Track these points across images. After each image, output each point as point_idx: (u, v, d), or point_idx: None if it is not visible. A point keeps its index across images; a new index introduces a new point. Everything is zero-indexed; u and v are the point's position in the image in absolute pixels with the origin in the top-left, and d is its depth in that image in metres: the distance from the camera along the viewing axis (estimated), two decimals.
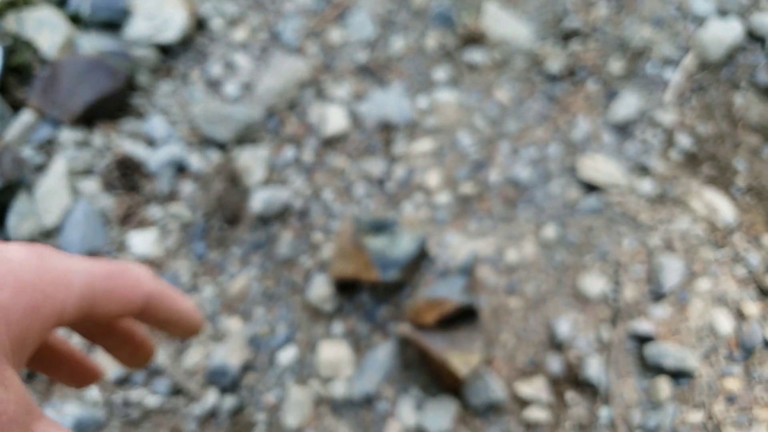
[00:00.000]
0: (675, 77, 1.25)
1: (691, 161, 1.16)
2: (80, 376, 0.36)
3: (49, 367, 0.35)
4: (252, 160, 1.16)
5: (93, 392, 0.98)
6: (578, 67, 1.28)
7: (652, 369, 0.97)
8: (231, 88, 1.27)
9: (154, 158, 1.17)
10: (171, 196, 1.14)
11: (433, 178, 1.15)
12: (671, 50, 1.29)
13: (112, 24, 1.32)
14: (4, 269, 0.25)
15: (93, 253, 1.07)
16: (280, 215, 1.12)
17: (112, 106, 1.24)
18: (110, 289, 0.30)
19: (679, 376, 0.96)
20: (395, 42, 1.33)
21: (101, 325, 0.34)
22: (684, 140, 1.18)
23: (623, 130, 1.20)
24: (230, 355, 0.99)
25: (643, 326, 0.99)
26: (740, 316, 1.00)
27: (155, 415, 0.96)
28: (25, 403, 0.25)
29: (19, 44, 1.27)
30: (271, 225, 1.11)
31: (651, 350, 0.97)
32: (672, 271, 1.03)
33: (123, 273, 0.31)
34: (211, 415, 0.96)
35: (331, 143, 1.20)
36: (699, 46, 1.27)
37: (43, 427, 0.25)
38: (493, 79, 1.28)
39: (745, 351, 0.98)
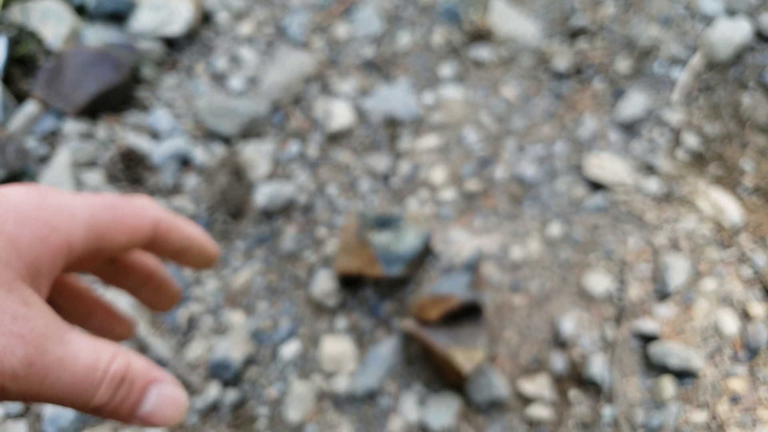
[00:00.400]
0: (682, 76, 1.25)
1: (698, 161, 1.16)
2: (111, 327, 0.36)
3: (81, 317, 0.35)
4: (256, 154, 1.16)
5: None
6: (585, 65, 1.28)
7: (656, 368, 0.97)
8: (236, 81, 1.27)
9: (158, 151, 1.17)
10: (175, 190, 1.14)
11: (438, 175, 1.14)
12: (679, 49, 1.28)
13: (118, 16, 1.32)
14: (6, 206, 0.25)
15: None
16: (284, 210, 1.11)
17: (116, 99, 1.23)
18: (116, 218, 0.29)
19: (683, 375, 0.95)
20: (401, 38, 1.32)
21: (118, 264, 0.34)
22: (691, 140, 1.17)
23: (630, 128, 1.20)
24: (233, 348, 0.98)
25: (648, 325, 0.99)
26: (745, 316, 1.00)
27: None
28: (53, 319, 0.25)
29: (23, 35, 1.27)
30: (275, 219, 1.10)
31: (655, 349, 0.97)
32: (677, 270, 1.03)
33: (127, 202, 0.31)
34: (213, 408, 0.96)
35: (336, 138, 1.19)
36: (707, 45, 1.27)
37: (76, 337, 0.25)
38: (500, 76, 1.28)
39: (750, 351, 0.97)
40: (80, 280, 0.34)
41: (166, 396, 0.27)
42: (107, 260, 0.33)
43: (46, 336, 0.24)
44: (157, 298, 0.37)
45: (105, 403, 0.26)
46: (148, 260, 0.35)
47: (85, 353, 0.25)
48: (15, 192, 0.26)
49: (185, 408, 0.28)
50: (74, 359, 0.25)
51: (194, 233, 0.34)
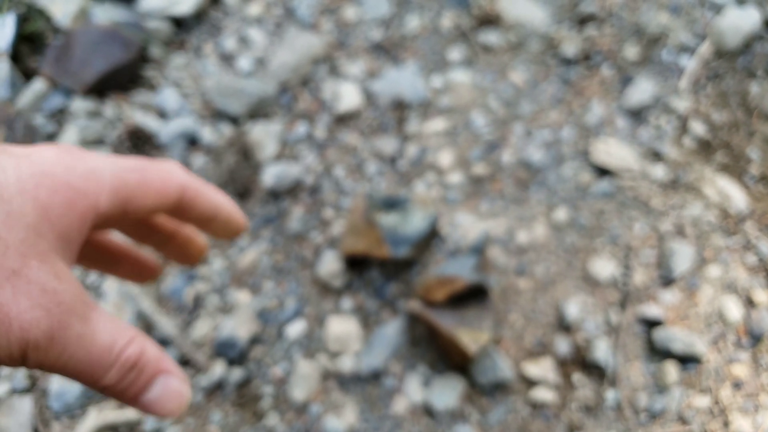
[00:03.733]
0: (691, 64, 1.25)
1: (705, 148, 1.16)
2: (140, 271, 0.37)
3: (108, 265, 0.36)
4: (264, 135, 1.16)
5: None
6: (593, 51, 1.28)
7: (659, 353, 0.97)
8: (244, 62, 1.27)
9: (165, 130, 1.17)
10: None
11: (445, 158, 1.14)
12: (687, 37, 1.28)
13: None
14: (39, 170, 0.25)
15: None
16: (291, 190, 1.11)
17: (124, 77, 1.23)
18: (142, 181, 0.30)
19: (686, 360, 0.96)
20: (410, 21, 1.32)
21: (143, 222, 0.34)
22: (698, 127, 1.17)
23: (637, 115, 1.20)
24: (238, 327, 0.99)
25: (652, 310, 0.99)
26: (749, 303, 1.00)
27: None
28: (80, 294, 0.25)
29: (32, 12, 1.26)
30: (282, 200, 1.11)
31: (659, 334, 0.97)
32: (682, 256, 1.03)
33: (153, 166, 0.31)
34: (218, 386, 0.96)
35: (343, 120, 1.19)
36: (716, 33, 1.26)
37: (98, 316, 0.26)
38: (508, 61, 1.27)
39: (753, 338, 0.98)
40: (106, 232, 0.35)
41: (170, 389, 0.28)
42: (133, 220, 0.33)
43: (71, 312, 0.24)
44: (183, 253, 0.37)
45: (113, 385, 0.26)
46: (172, 221, 0.36)
47: (104, 334, 0.26)
48: (47, 154, 0.27)
49: (186, 404, 0.29)
50: (92, 338, 0.25)
51: (221, 201, 0.34)
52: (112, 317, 0.27)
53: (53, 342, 0.24)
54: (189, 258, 0.38)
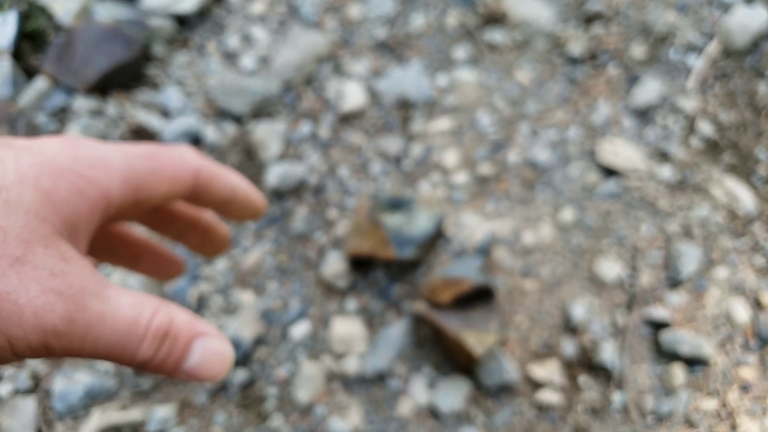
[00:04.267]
0: (698, 64, 1.24)
1: (713, 149, 1.15)
2: (163, 267, 0.36)
3: (131, 261, 0.35)
4: (268, 134, 1.15)
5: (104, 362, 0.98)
6: (600, 50, 1.26)
7: (666, 355, 0.96)
8: (248, 60, 1.26)
9: (168, 129, 1.16)
10: None
11: (450, 158, 1.13)
12: (695, 36, 1.27)
13: None
14: (41, 159, 0.25)
15: None
16: (295, 190, 1.11)
17: (126, 76, 1.22)
18: (154, 168, 0.29)
19: (693, 363, 0.95)
20: (415, 19, 1.31)
21: (161, 212, 0.34)
22: (706, 127, 1.16)
23: (644, 115, 1.19)
24: (242, 328, 0.98)
25: (659, 312, 0.99)
26: (757, 305, 1.00)
27: (166, 386, 0.96)
28: (92, 273, 0.24)
29: (34, 10, 1.25)
30: (286, 200, 1.10)
31: (666, 336, 0.96)
32: (690, 258, 1.02)
33: (165, 151, 0.29)
34: (222, 388, 0.96)
35: (348, 119, 1.18)
36: (724, 32, 1.25)
37: (115, 291, 0.25)
38: (514, 60, 1.26)
39: (761, 340, 0.97)
40: (126, 226, 0.34)
41: (211, 350, 0.27)
42: (149, 209, 0.32)
43: (86, 292, 0.24)
44: (205, 243, 0.36)
45: (149, 359, 0.25)
46: (190, 208, 0.35)
47: (126, 308, 0.25)
48: (50, 144, 0.26)
49: (231, 361, 0.28)
50: (114, 315, 0.24)
51: (238, 183, 0.33)
52: (131, 291, 0.26)
53: (74, 325, 0.23)
54: (212, 248, 0.37)
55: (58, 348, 0.23)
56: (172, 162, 0.29)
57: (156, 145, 0.30)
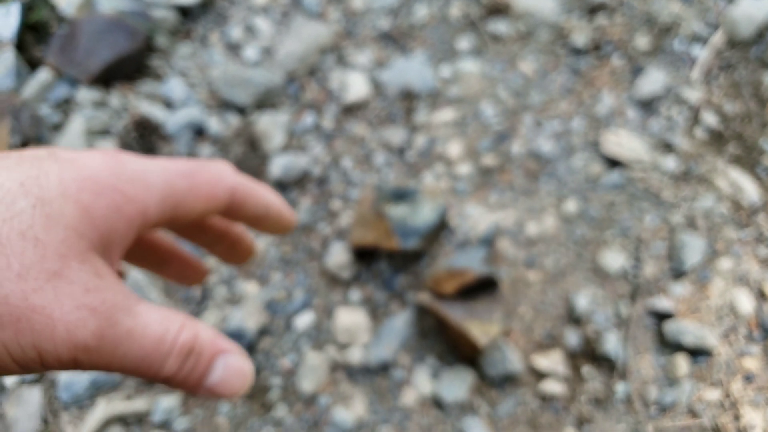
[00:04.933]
0: (703, 54, 1.23)
1: (717, 140, 1.15)
2: (188, 273, 0.37)
3: (157, 265, 0.36)
4: (271, 125, 1.15)
5: None
6: (604, 41, 1.26)
7: (670, 346, 0.96)
8: (251, 51, 1.26)
9: (172, 120, 1.16)
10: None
11: (454, 149, 1.13)
12: (700, 27, 1.26)
13: None
14: (83, 174, 0.25)
15: None
16: (298, 181, 1.11)
17: (129, 67, 1.22)
18: (192, 186, 0.29)
19: (697, 353, 0.95)
20: (419, 10, 1.31)
21: (193, 223, 0.34)
22: (710, 118, 1.16)
23: (648, 106, 1.18)
24: (247, 318, 0.99)
25: (663, 303, 0.99)
26: (761, 296, 1.00)
27: None
28: (122, 289, 0.25)
29: (37, 1, 1.25)
30: (290, 191, 1.10)
31: (670, 327, 0.96)
32: (694, 249, 1.02)
33: (203, 169, 0.30)
34: None
35: (351, 110, 1.18)
36: (729, 23, 1.25)
37: (144, 307, 0.25)
38: (517, 51, 1.26)
39: (765, 331, 0.97)
40: (156, 231, 0.34)
41: (232, 367, 0.27)
42: (181, 223, 0.33)
43: (117, 308, 0.24)
44: (232, 253, 0.37)
45: (174, 374, 0.26)
46: (222, 220, 0.35)
47: (154, 325, 0.25)
48: (93, 159, 0.26)
49: (251, 379, 0.28)
50: (143, 331, 0.25)
51: (271, 200, 0.33)
52: (158, 306, 0.26)
53: (103, 341, 0.23)
54: (238, 258, 0.38)
55: (86, 362, 0.23)
56: (210, 180, 0.30)
57: (194, 161, 0.30)
